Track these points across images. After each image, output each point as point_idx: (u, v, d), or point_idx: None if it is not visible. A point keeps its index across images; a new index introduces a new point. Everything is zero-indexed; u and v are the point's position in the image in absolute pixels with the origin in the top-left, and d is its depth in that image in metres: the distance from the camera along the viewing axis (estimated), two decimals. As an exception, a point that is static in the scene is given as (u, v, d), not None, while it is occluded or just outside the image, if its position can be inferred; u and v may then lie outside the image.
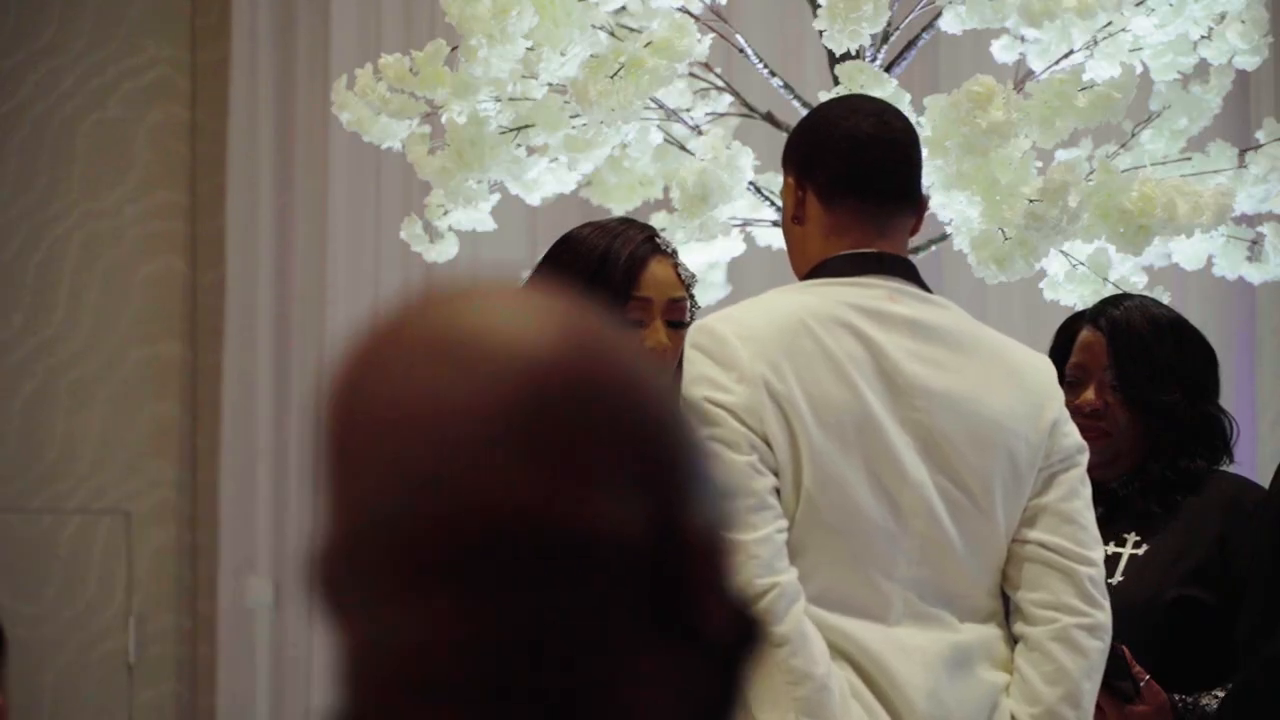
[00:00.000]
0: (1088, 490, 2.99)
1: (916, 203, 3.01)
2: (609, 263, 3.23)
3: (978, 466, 2.89)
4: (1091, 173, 3.95)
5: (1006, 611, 2.98)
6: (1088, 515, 2.96)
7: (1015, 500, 2.92)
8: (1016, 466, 2.92)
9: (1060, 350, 3.64)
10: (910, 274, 2.97)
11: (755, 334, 2.84)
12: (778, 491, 2.81)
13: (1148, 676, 3.36)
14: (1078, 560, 2.92)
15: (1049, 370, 3.03)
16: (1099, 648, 2.92)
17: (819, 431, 2.82)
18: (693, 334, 2.90)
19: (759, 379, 2.81)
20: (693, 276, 3.32)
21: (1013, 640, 2.95)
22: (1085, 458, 3.00)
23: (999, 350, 2.98)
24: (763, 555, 2.77)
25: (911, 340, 2.90)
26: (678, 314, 3.26)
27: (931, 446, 2.87)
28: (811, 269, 2.97)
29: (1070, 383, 3.55)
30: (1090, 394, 3.56)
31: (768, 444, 2.80)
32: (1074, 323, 3.72)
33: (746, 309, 2.91)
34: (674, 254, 3.30)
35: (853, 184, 2.95)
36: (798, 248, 3.02)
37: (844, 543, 2.83)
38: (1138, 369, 3.56)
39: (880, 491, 2.85)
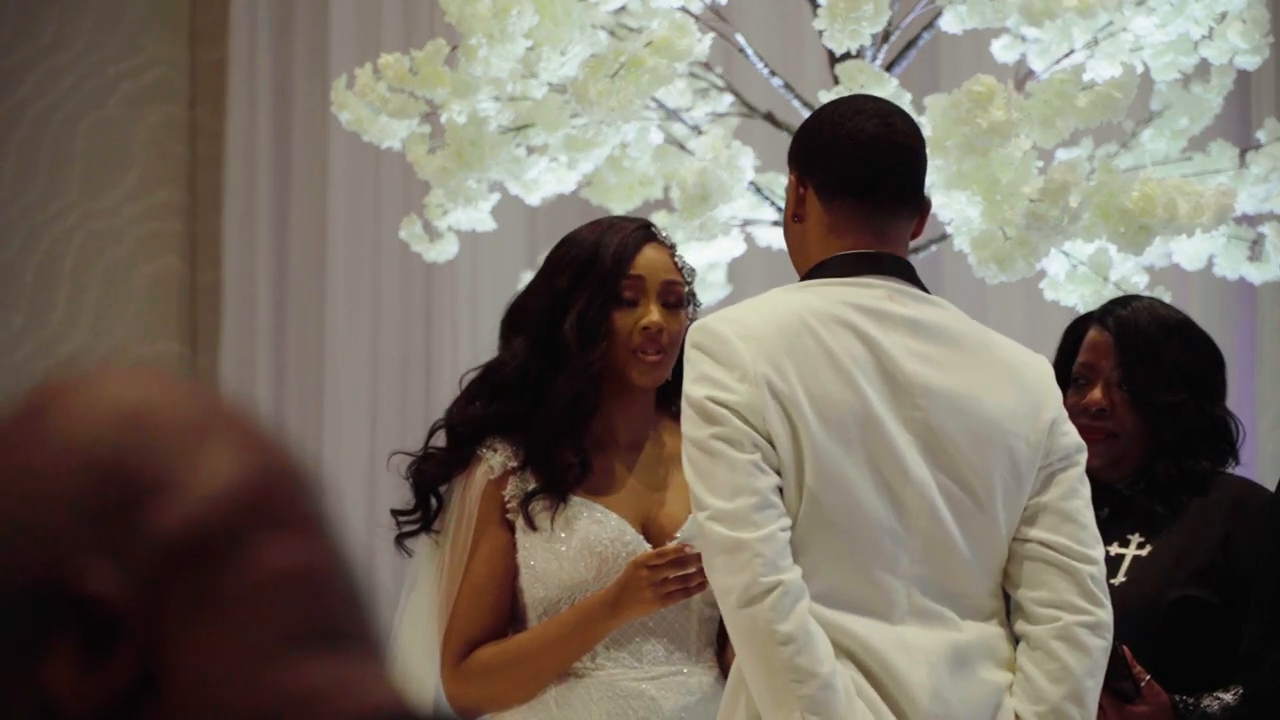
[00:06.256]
0: (1087, 489, 3.00)
1: (918, 205, 3.01)
2: (602, 249, 3.23)
3: (978, 465, 2.90)
4: (1092, 172, 3.95)
5: (1007, 611, 2.98)
6: (1088, 514, 2.97)
7: (1015, 499, 2.93)
8: (1016, 465, 2.92)
9: (1067, 350, 3.63)
10: (909, 275, 2.98)
11: (756, 333, 2.84)
12: (781, 490, 2.82)
13: (1148, 677, 3.36)
14: (1079, 559, 2.92)
15: (1047, 370, 3.04)
16: (1101, 646, 2.92)
17: (821, 430, 2.82)
18: (693, 333, 2.90)
19: (761, 378, 2.81)
20: (691, 270, 3.32)
21: (1015, 639, 2.95)
22: (1084, 457, 3.01)
23: (997, 350, 2.98)
24: (766, 553, 2.77)
25: (912, 339, 2.91)
26: (674, 296, 3.25)
27: (933, 445, 2.88)
28: (811, 268, 2.98)
29: (1077, 382, 3.54)
30: (1096, 393, 3.55)
31: (770, 443, 2.81)
32: (1082, 323, 3.72)
33: (746, 308, 2.92)
34: (671, 245, 3.31)
35: (852, 185, 2.95)
36: (797, 245, 3.03)
37: (847, 541, 2.84)
38: (1144, 369, 3.55)
39: (883, 490, 2.85)
